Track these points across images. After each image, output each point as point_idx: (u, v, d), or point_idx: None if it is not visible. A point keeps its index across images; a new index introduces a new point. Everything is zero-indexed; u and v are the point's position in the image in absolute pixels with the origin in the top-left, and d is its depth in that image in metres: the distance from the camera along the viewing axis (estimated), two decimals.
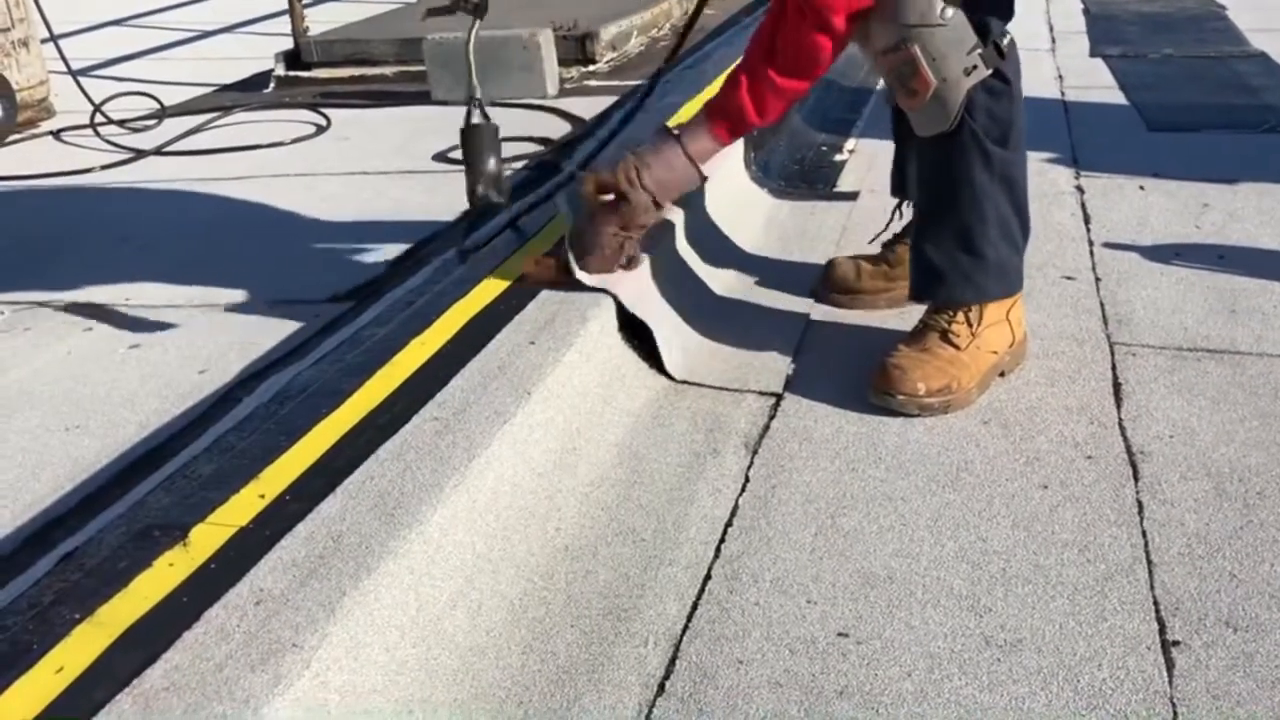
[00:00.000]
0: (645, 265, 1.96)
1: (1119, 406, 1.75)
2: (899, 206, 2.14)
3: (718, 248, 2.32)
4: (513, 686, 1.25)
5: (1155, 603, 1.33)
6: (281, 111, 4.06)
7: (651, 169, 1.82)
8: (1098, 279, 2.19)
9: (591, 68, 4.46)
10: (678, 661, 1.29)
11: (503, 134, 3.43)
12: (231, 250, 2.66)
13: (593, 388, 1.75)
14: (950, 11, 1.68)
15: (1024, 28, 3.38)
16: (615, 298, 1.87)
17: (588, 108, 3.76)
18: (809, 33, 1.70)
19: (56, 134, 3.93)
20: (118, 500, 1.53)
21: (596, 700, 1.23)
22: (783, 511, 1.55)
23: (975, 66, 1.69)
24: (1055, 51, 4.37)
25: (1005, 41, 1.72)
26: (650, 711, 1.22)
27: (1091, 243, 2.42)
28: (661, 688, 1.25)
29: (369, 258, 2.49)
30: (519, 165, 3.16)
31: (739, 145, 2.81)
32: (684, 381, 1.89)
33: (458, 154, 3.29)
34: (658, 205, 1.85)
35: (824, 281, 2.17)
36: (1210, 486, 1.55)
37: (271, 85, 4.54)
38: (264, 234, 2.76)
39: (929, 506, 1.54)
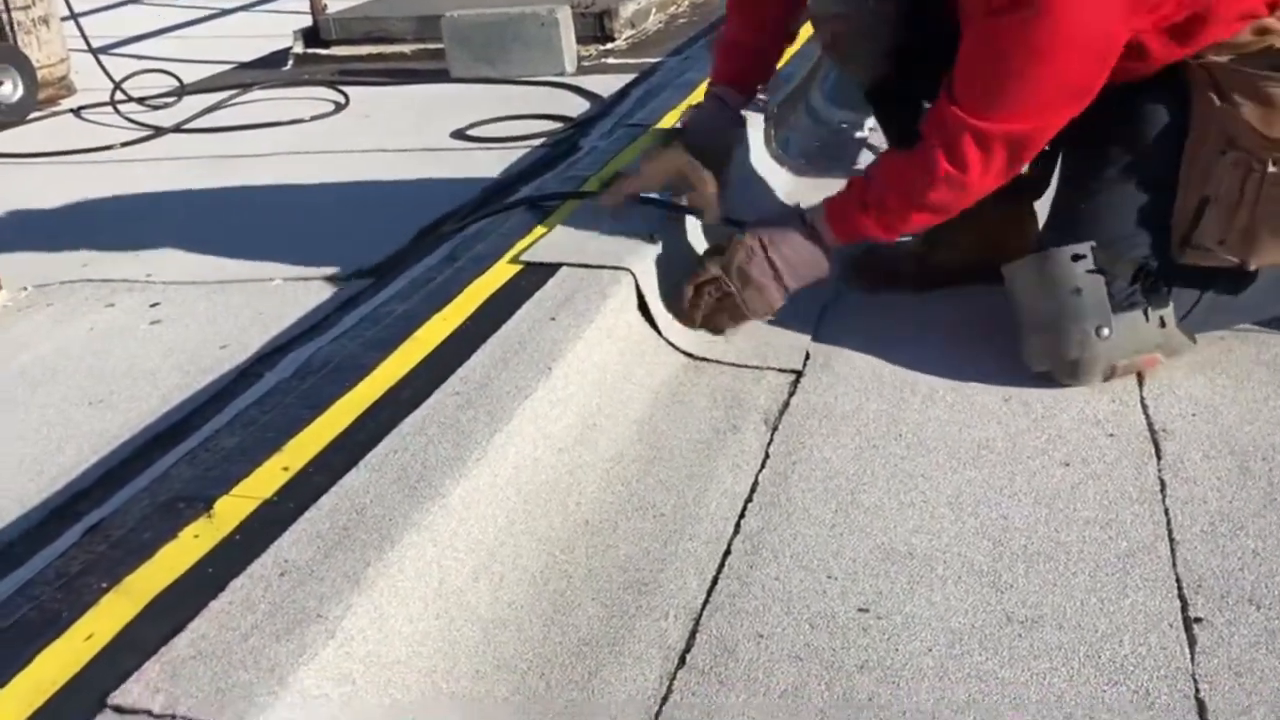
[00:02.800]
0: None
1: (1141, 384, 1.74)
2: None
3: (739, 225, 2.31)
4: (534, 658, 1.26)
5: (1177, 580, 1.33)
6: (300, 89, 4.07)
7: (784, 254, 1.78)
8: None
9: (610, 45, 4.45)
10: (698, 635, 1.29)
11: (520, 111, 3.45)
12: (251, 227, 2.67)
13: (613, 364, 1.75)
14: (1106, 330, 1.66)
15: None
16: (633, 275, 1.87)
17: (606, 85, 3.75)
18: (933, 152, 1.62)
19: (77, 111, 3.95)
20: (141, 473, 1.54)
21: (618, 672, 1.24)
22: (803, 488, 1.56)
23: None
24: None
25: None
26: (671, 683, 1.22)
27: None
28: (682, 660, 1.26)
29: (389, 234, 2.49)
30: (538, 143, 3.15)
31: (759, 124, 2.80)
32: (703, 358, 1.89)
33: (476, 131, 3.30)
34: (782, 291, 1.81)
35: (858, 266, 2.15)
36: (1234, 464, 1.54)
37: (290, 63, 4.55)
38: (284, 211, 2.77)
39: (950, 483, 1.54)
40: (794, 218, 1.82)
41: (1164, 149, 1.68)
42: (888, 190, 1.71)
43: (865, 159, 2.88)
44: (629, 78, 3.84)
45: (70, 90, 4.20)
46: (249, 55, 4.78)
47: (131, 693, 1.02)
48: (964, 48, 1.62)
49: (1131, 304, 1.68)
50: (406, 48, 4.50)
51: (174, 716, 1.00)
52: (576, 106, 3.53)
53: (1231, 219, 1.62)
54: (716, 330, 1.90)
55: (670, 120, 2.83)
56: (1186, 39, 1.63)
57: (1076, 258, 1.67)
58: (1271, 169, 1.58)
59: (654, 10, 4.94)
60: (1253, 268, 1.65)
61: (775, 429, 1.70)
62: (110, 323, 2.17)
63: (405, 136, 3.35)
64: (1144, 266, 1.68)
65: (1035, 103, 1.59)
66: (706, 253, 1.90)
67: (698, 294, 1.86)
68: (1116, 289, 1.67)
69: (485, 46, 3.96)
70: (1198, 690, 1.17)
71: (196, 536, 1.24)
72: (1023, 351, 1.76)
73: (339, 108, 3.74)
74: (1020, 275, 1.75)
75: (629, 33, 4.62)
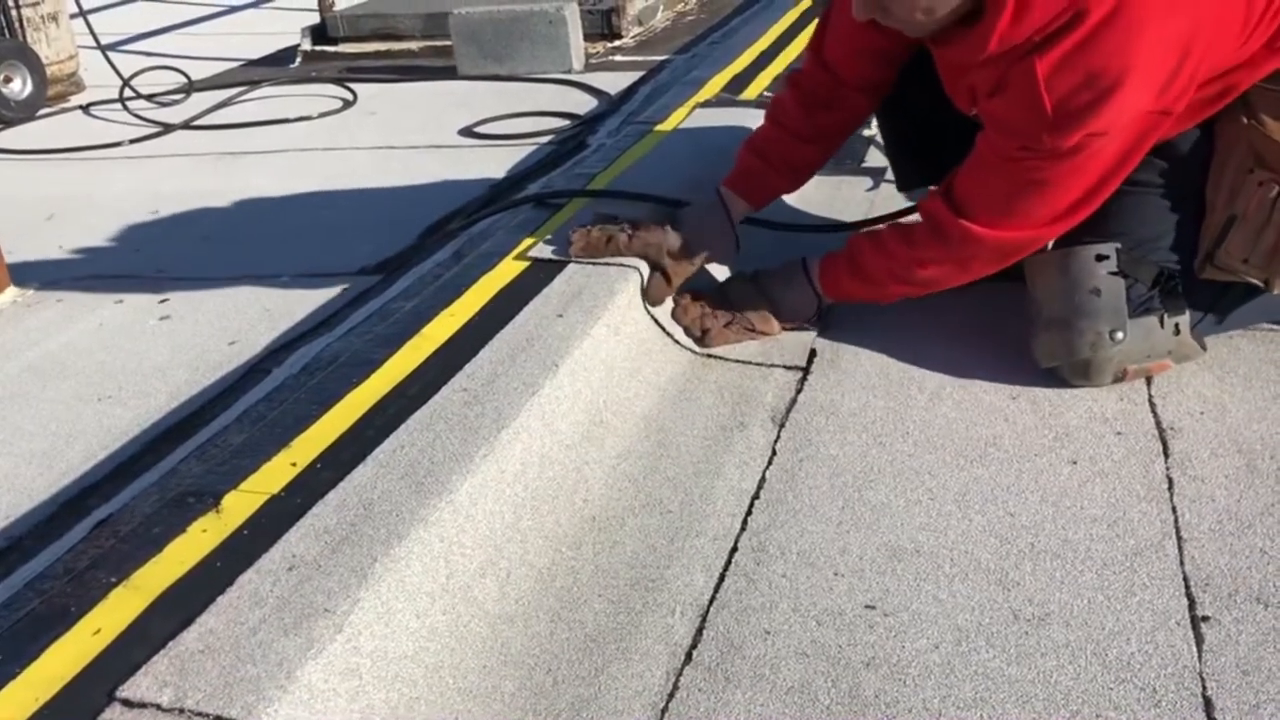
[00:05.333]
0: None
1: (1149, 382, 1.74)
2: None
3: (744, 223, 2.31)
4: (541, 654, 1.26)
5: (1185, 578, 1.33)
6: (308, 86, 4.08)
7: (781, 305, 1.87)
8: None
9: (617, 43, 4.45)
10: (705, 631, 1.29)
11: (528, 108, 3.45)
12: (260, 224, 2.68)
13: (620, 361, 1.75)
14: (1120, 334, 1.66)
15: None
16: (640, 272, 1.87)
17: (613, 82, 3.75)
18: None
19: (86, 108, 3.96)
20: (150, 468, 1.55)
21: (624, 668, 1.24)
22: (810, 485, 1.55)
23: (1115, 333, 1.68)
24: None
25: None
26: (677, 680, 1.22)
27: None
28: (689, 657, 1.26)
29: (396, 231, 2.50)
30: (545, 140, 3.16)
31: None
32: (710, 355, 1.89)
33: (483, 128, 3.30)
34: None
35: None
36: (1242, 463, 1.54)
37: (298, 60, 4.56)
38: (291, 208, 2.78)
39: (957, 481, 1.54)
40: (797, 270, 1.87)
41: (1193, 159, 1.68)
42: (889, 277, 1.78)
43: (874, 157, 2.87)
44: (636, 75, 3.84)
45: (79, 87, 4.21)
46: (257, 52, 4.79)
47: (140, 686, 1.03)
48: (978, 163, 1.64)
49: (1148, 309, 1.67)
50: (414, 45, 4.50)
51: (182, 710, 1.00)
52: (584, 104, 3.54)
53: (1257, 239, 1.60)
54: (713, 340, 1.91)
55: (678, 119, 2.84)
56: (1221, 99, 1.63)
57: (1100, 258, 1.66)
58: None
59: (661, 8, 4.94)
60: (1276, 291, 1.63)
61: (782, 426, 1.70)
62: (119, 319, 2.17)
63: (413, 134, 3.36)
64: (1165, 272, 1.67)
65: (1047, 221, 1.63)
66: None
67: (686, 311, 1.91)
68: (1135, 292, 1.66)
69: (493, 44, 3.97)
70: (1205, 688, 1.17)
71: (205, 531, 1.25)
72: (1033, 346, 1.75)
73: (347, 105, 3.75)
74: (1041, 268, 1.74)
75: (636, 30, 4.62)
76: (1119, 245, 1.66)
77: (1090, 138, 1.50)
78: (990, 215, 1.64)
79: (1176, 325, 1.68)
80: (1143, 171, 1.69)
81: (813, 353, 1.89)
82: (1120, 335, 1.66)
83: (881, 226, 1.82)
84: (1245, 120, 1.61)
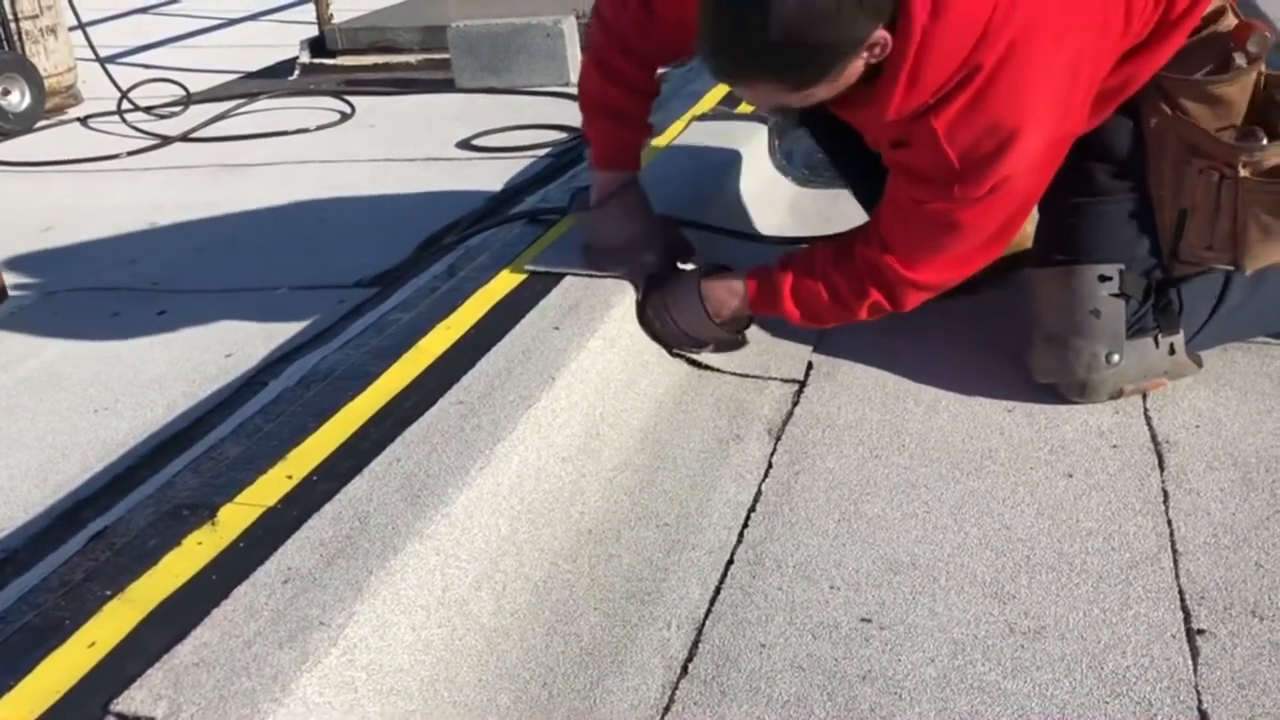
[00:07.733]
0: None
1: (1145, 396, 1.74)
2: None
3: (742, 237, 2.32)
4: (537, 667, 1.26)
5: (1180, 591, 1.33)
6: (306, 98, 4.08)
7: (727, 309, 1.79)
8: None
9: None
10: (700, 644, 1.29)
11: (526, 121, 3.46)
12: (257, 236, 2.68)
13: (616, 373, 1.76)
14: (1116, 356, 1.67)
15: None
16: (636, 284, 1.87)
17: None
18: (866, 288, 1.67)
19: (84, 120, 3.97)
20: (146, 481, 1.55)
21: (620, 681, 1.24)
22: (806, 497, 1.56)
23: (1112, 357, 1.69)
24: None
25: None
26: (673, 693, 1.22)
27: None
28: (684, 670, 1.26)
29: (393, 244, 2.50)
30: (543, 153, 3.16)
31: (763, 135, 2.81)
32: (706, 368, 1.89)
33: (481, 140, 3.31)
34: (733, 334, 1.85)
35: None
36: (1237, 476, 1.54)
37: (296, 72, 4.56)
38: (289, 220, 2.78)
39: (953, 494, 1.54)
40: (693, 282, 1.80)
41: (1134, 160, 1.67)
42: (821, 307, 1.73)
43: None
44: None
45: (77, 99, 4.21)
46: (255, 65, 4.80)
47: (134, 700, 1.02)
48: (894, 207, 1.63)
49: (1142, 329, 1.67)
50: (412, 58, 4.51)
51: None
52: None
53: (1214, 226, 1.62)
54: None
55: (675, 132, 2.84)
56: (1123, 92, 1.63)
57: (1103, 278, 1.66)
58: (1243, 173, 1.57)
59: None
60: (1248, 271, 1.64)
61: (778, 439, 1.70)
62: (116, 331, 2.18)
63: (411, 146, 3.36)
64: (1151, 282, 1.67)
65: (971, 255, 1.64)
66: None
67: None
68: (1128, 309, 1.66)
69: (491, 57, 3.98)
70: (1200, 702, 1.17)
71: (200, 544, 1.25)
72: (1030, 361, 1.75)
73: (345, 117, 3.76)
74: (1042, 284, 1.73)
75: None
76: (1123, 266, 1.66)
77: (1001, 182, 1.52)
78: (912, 254, 1.64)
79: (1171, 345, 1.69)
80: (1093, 183, 1.69)
81: (809, 366, 1.90)
82: (1116, 358, 1.67)
83: (816, 257, 1.75)
84: (1170, 112, 1.61)
